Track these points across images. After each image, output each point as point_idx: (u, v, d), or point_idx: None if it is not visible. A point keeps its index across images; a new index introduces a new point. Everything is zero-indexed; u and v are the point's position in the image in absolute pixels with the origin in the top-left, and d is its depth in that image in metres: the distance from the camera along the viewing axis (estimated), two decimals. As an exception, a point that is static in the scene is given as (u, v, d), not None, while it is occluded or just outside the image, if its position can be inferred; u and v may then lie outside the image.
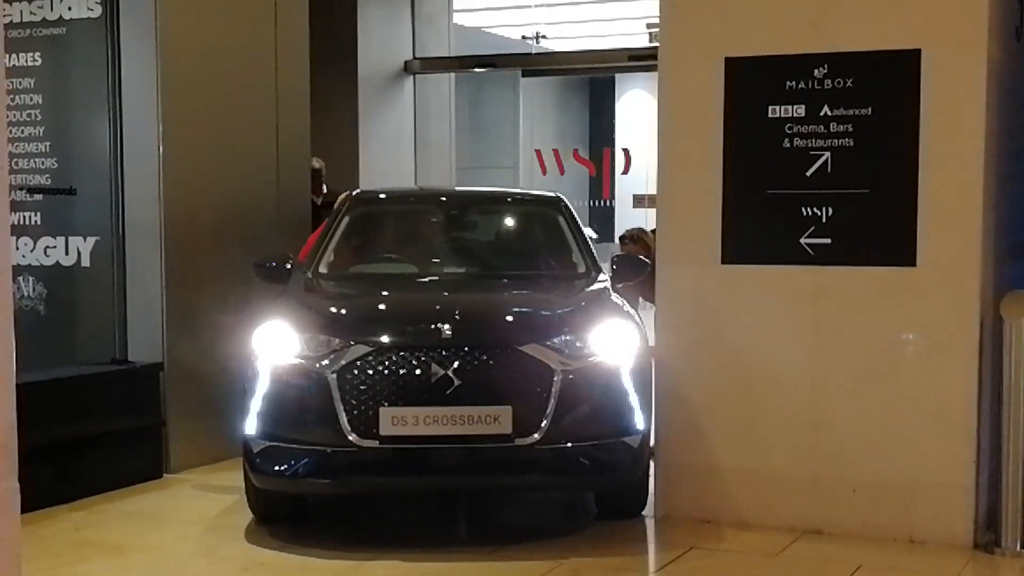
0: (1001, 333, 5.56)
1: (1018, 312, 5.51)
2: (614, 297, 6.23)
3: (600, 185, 15.71)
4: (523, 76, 14.99)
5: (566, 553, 5.49)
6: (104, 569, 5.36)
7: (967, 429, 5.64)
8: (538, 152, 14.13)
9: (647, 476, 6.07)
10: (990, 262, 5.70)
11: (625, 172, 14.62)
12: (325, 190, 8.83)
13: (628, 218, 14.31)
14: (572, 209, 7.10)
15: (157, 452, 7.03)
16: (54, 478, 6.25)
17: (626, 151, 14.60)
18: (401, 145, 12.03)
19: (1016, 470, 5.54)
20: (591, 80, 18.60)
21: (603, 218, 15.86)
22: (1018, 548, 5.53)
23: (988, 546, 5.60)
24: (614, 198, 15.57)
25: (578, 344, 5.59)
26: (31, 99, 7.32)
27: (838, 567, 5.35)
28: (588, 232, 10.39)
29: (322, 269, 6.46)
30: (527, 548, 5.56)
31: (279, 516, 5.89)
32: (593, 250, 6.82)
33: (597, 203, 16.06)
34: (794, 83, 5.85)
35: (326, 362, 5.40)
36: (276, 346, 5.54)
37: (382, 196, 7.63)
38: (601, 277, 6.49)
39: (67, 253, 7.25)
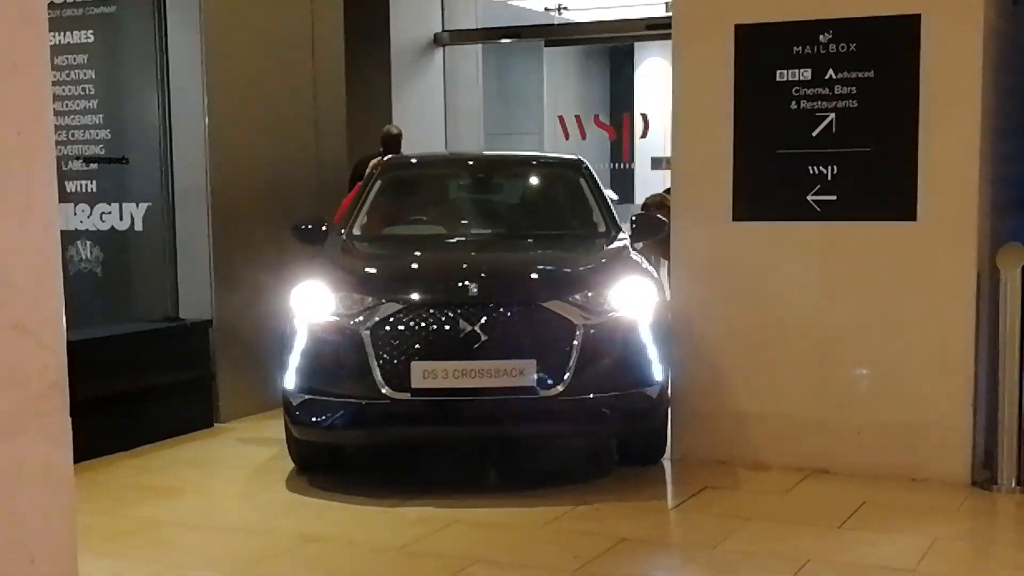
0: (997, 283, 5.45)
1: (1013, 263, 5.40)
2: (633, 255, 6.12)
3: (620, 149, 15.55)
4: (546, 46, 14.80)
5: (589, 496, 5.44)
6: (160, 510, 5.36)
7: (965, 374, 5.55)
8: (561, 118, 13.99)
9: (666, 424, 6.00)
10: (986, 217, 5.59)
11: (643, 136, 14.47)
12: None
13: (647, 180, 14.19)
14: (593, 171, 6.98)
15: (207, 403, 7.03)
16: (113, 427, 6.26)
17: (644, 116, 14.44)
18: (432, 113, 11.93)
19: (1012, 412, 5.44)
20: (611, 49, 18.36)
21: (623, 180, 15.70)
22: (1013, 485, 5.45)
23: (985, 483, 5.52)
24: (633, 161, 15.41)
25: (599, 300, 5.49)
26: (85, 74, 7.27)
27: (843, 504, 5.27)
28: (609, 194, 10.27)
29: (356, 231, 6.37)
30: (552, 492, 5.51)
31: (318, 464, 5.85)
32: (613, 210, 6.71)
33: (618, 166, 15.90)
34: (800, 48, 5.72)
35: (360, 319, 5.33)
36: (312, 305, 5.48)
37: (412, 161, 7.55)
38: (621, 236, 6.37)
39: (121, 218, 7.22)
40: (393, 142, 9.21)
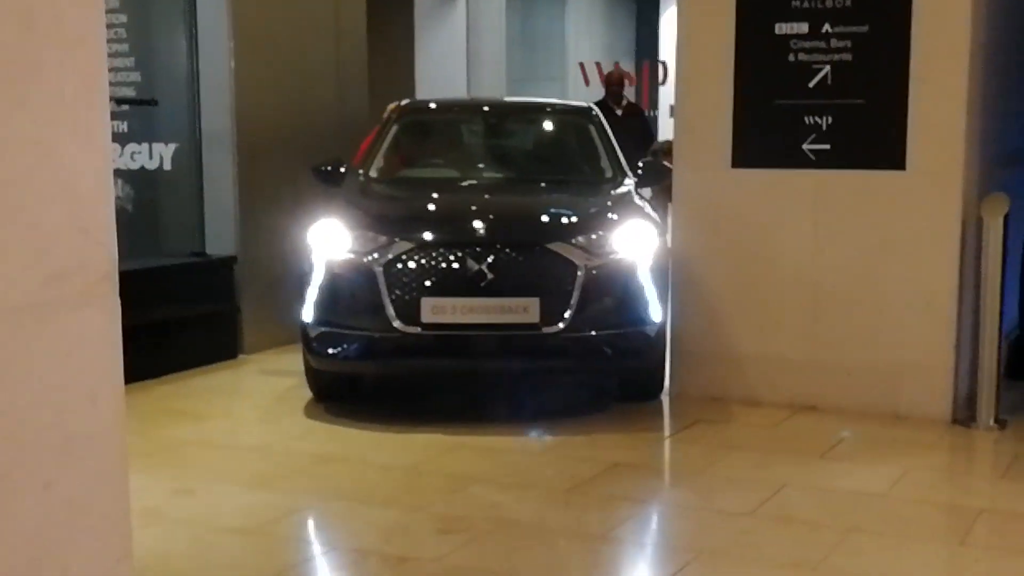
0: (980, 232, 5.80)
1: (996, 212, 5.73)
2: (637, 200, 6.43)
3: (641, 96, 15.81)
4: (570, -9, 15.02)
5: (588, 428, 5.84)
6: (189, 431, 5.83)
7: (949, 318, 5.90)
8: (581, 65, 14.27)
9: (663, 363, 6.36)
10: (973, 168, 5.90)
11: (663, 83, 14.73)
12: (625, 101, 10.28)
13: (667, 127, 14.45)
14: (602, 118, 7.31)
15: (232, 335, 7.48)
16: (144, 356, 6.69)
17: (663, 63, 14.68)
18: (454, 58, 12.24)
19: (991, 354, 5.79)
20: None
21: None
22: (991, 423, 5.81)
23: (965, 421, 5.88)
24: (657, 108, 15.66)
25: (601, 242, 5.81)
26: (117, 19, 7.61)
27: (827, 437, 5.66)
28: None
29: (372, 173, 6.73)
30: (553, 423, 5.90)
31: (333, 394, 6.24)
32: (620, 157, 7.03)
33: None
34: (799, 2, 6.03)
35: (374, 256, 5.69)
36: (330, 242, 5.84)
37: (428, 106, 7.89)
38: (627, 182, 6.69)
39: (151, 158, 7.61)
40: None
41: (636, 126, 10.07)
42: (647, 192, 7.20)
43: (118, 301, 1.81)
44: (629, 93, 16.15)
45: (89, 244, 1.76)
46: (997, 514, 4.63)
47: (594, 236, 5.85)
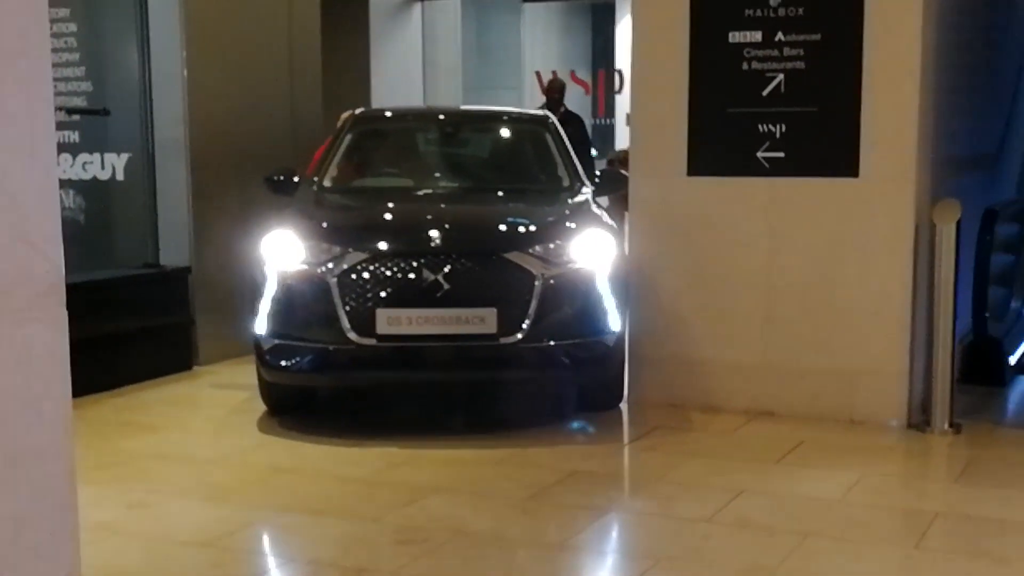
0: (933, 237, 5.86)
1: (948, 218, 5.79)
2: (594, 209, 6.42)
3: (597, 104, 15.89)
4: (524, 1, 15.04)
5: (546, 437, 5.83)
6: (143, 444, 5.77)
7: (903, 322, 5.96)
8: (537, 74, 14.32)
9: (622, 372, 6.35)
10: (926, 174, 5.97)
11: (619, 92, 14.81)
12: (563, 109, 10.52)
13: (623, 135, 14.52)
14: (559, 126, 7.33)
15: (187, 347, 7.41)
16: (97, 368, 6.63)
17: (619, 72, 14.75)
18: (410, 67, 12.25)
19: (945, 359, 5.85)
20: (592, 5, 18.61)
21: (604, 135, 16.04)
22: (946, 427, 5.87)
23: (920, 426, 5.94)
24: (612, 117, 15.73)
25: (558, 252, 5.78)
26: (67, 28, 7.55)
27: (783, 443, 5.69)
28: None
29: (326, 183, 6.68)
30: (511, 434, 5.87)
31: (288, 407, 6.17)
32: (578, 165, 7.04)
33: (599, 121, 16.23)
34: (752, 11, 6.09)
35: (328, 267, 5.63)
36: (283, 253, 5.78)
37: (383, 114, 7.86)
38: (584, 190, 6.69)
39: (103, 168, 7.54)
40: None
41: (572, 134, 10.17)
42: (604, 200, 7.21)
43: (65, 314, 1.79)
44: (585, 102, 16.28)
45: (34, 257, 1.74)
46: (952, 518, 4.68)
47: (552, 245, 5.83)
